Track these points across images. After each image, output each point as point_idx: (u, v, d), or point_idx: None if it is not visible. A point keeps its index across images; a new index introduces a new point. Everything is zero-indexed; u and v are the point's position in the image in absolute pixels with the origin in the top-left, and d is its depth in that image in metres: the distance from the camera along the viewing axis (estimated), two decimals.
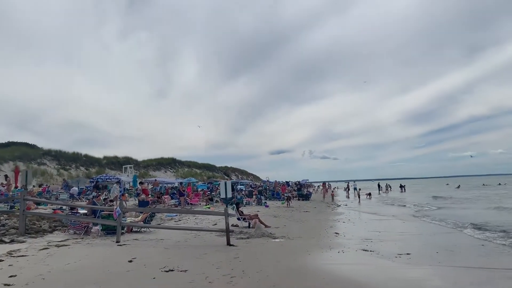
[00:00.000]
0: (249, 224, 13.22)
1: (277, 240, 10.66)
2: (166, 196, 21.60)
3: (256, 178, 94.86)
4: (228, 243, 9.54)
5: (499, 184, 66.18)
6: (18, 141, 47.05)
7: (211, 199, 24.08)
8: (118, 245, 9.35)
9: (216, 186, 30.10)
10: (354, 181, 55.49)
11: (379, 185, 56.45)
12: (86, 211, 12.42)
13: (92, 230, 11.27)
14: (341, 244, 10.02)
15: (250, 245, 9.62)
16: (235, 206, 13.75)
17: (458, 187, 62.36)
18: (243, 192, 32.54)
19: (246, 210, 21.95)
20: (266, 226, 13.46)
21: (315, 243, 10.19)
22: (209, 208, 21.42)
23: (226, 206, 13.87)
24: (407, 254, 8.55)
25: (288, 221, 15.63)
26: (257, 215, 13.82)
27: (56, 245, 8.95)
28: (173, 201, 20.99)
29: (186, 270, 6.65)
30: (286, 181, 53.58)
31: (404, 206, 27.02)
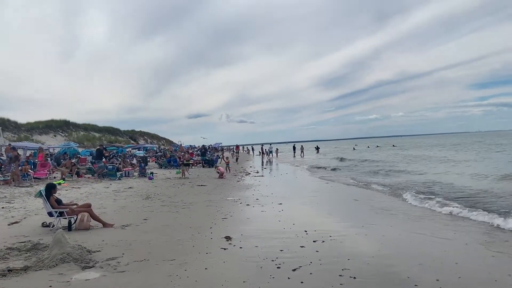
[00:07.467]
0: (70, 222, 7.00)
1: (82, 277, 4.62)
2: None
3: (169, 142, 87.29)
4: None
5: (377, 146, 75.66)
6: None
7: (71, 171, 16.95)
8: None
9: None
10: (270, 144, 51.26)
11: (294, 148, 51.77)
12: None
13: None
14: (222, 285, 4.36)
15: None
16: (42, 192, 7.22)
17: (354, 148, 69.66)
18: (135, 159, 25.79)
19: (121, 185, 15.56)
20: (105, 225, 7.36)
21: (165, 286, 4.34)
22: (60, 184, 14.48)
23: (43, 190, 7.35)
24: None
25: (159, 208, 9.57)
26: (88, 206, 7.56)
27: None
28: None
29: None
30: (193, 146, 47.57)
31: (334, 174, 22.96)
